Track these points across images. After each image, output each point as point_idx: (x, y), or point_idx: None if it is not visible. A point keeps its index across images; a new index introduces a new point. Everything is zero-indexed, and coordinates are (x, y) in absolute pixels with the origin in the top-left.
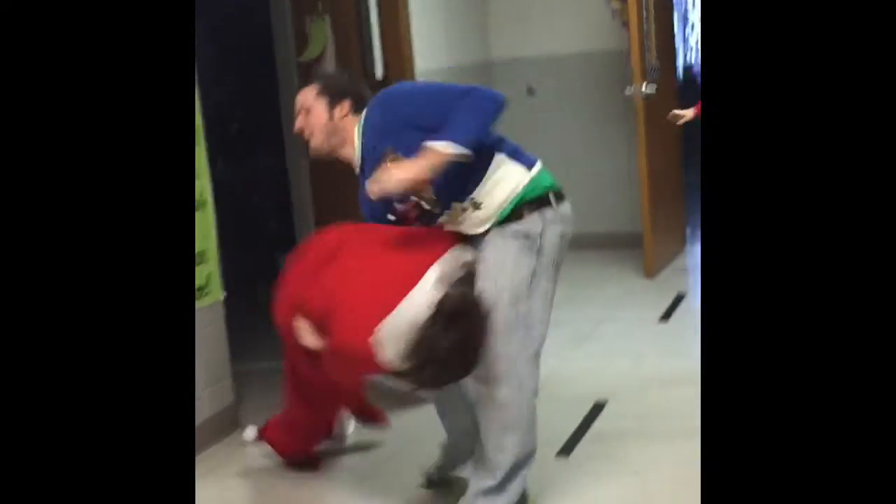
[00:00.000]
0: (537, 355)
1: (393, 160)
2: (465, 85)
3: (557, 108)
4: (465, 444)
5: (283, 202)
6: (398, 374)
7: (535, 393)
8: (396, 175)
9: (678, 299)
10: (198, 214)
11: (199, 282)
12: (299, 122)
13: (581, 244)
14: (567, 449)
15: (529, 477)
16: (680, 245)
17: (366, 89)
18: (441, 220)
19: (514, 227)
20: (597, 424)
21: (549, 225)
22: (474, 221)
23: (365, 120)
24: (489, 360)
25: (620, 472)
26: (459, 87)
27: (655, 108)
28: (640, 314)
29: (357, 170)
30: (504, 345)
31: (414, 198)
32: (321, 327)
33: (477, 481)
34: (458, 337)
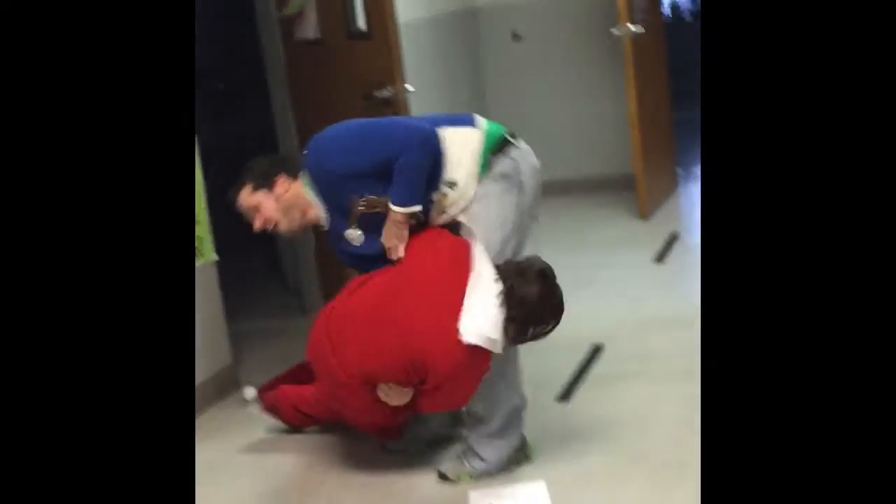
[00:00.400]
0: None
1: (362, 205)
2: (393, 134)
3: (544, 52)
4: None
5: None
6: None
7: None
8: (396, 251)
9: (672, 240)
10: None
11: None
12: (258, 224)
13: (574, 189)
14: (567, 394)
15: (530, 422)
16: (672, 184)
17: (290, 155)
18: (431, 216)
19: (490, 173)
20: (596, 368)
21: (520, 160)
22: (458, 201)
23: (310, 178)
24: None
25: (621, 415)
26: (391, 138)
27: (643, 48)
28: (635, 256)
29: (326, 225)
30: None
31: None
32: (411, 376)
33: (475, 430)
34: (539, 284)
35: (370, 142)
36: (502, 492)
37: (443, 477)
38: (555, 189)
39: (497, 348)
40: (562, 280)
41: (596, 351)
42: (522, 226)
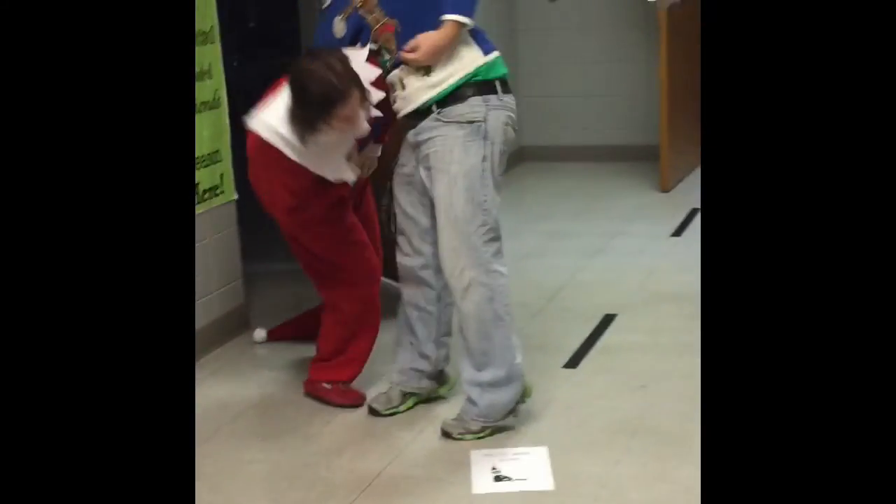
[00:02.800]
0: (497, 239)
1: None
2: None
3: (578, 15)
4: (431, 356)
5: None
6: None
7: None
8: (428, 51)
9: (692, 214)
10: (211, 114)
11: (212, 182)
12: None
13: (597, 156)
14: (574, 361)
15: (536, 387)
16: (696, 159)
17: None
18: (389, 76)
19: (457, 113)
20: (605, 337)
21: (492, 111)
22: (419, 86)
23: None
24: (453, 254)
25: (627, 385)
26: None
27: (679, 19)
28: (653, 228)
29: (326, 3)
30: (466, 236)
31: (376, 44)
32: None
33: (478, 375)
34: (311, 66)
35: None
36: (504, 453)
37: (445, 434)
38: (577, 154)
39: (287, 148)
40: (577, 247)
41: (606, 321)
42: (486, 175)
